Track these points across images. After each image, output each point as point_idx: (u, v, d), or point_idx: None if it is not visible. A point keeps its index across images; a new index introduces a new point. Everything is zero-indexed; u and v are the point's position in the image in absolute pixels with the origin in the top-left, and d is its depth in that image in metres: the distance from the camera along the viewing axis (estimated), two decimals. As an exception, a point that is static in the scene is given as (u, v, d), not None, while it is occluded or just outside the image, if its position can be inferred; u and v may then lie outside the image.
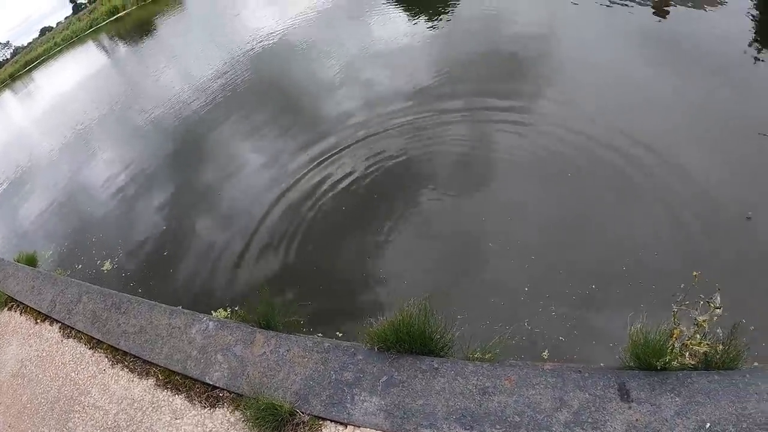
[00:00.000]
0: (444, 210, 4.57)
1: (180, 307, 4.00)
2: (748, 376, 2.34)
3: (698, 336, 2.22)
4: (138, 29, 21.07)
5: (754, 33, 5.77)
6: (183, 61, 13.31)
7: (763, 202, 3.71)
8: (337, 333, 3.62)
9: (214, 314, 3.91)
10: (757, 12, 6.15)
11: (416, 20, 9.03)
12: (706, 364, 2.33)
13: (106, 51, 21.61)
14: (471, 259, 3.96)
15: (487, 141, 5.18)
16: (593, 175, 4.37)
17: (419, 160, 5.26)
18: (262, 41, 11.54)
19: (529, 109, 5.47)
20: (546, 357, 3.11)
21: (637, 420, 2.24)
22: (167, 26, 19.54)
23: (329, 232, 4.73)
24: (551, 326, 3.28)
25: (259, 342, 3.33)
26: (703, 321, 2.15)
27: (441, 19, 8.74)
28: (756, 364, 2.38)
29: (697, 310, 2.18)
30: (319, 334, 3.53)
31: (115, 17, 27.36)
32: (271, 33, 11.81)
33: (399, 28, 8.97)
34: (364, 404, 2.74)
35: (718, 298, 2.14)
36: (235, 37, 12.88)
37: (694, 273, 2.22)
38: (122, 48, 20.15)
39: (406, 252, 4.27)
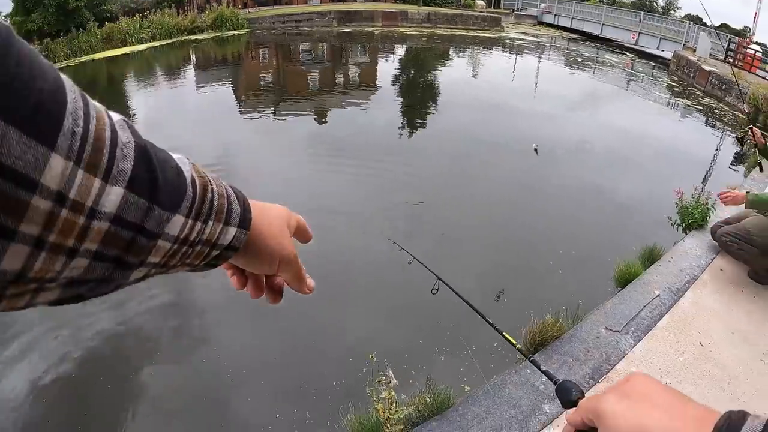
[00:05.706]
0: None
1: None
2: (460, 408, 2.60)
3: (393, 405, 2.37)
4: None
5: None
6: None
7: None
8: None
9: None
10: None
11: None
12: (424, 417, 2.51)
13: None
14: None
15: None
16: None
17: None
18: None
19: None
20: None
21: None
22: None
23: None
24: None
25: None
26: (388, 394, 2.36)
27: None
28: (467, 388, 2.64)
29: (382, 385, 2.39)
30: None
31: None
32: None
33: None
34: None
35: (390, 372, 2.41)
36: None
37: (370, 355, 2.53)
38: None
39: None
